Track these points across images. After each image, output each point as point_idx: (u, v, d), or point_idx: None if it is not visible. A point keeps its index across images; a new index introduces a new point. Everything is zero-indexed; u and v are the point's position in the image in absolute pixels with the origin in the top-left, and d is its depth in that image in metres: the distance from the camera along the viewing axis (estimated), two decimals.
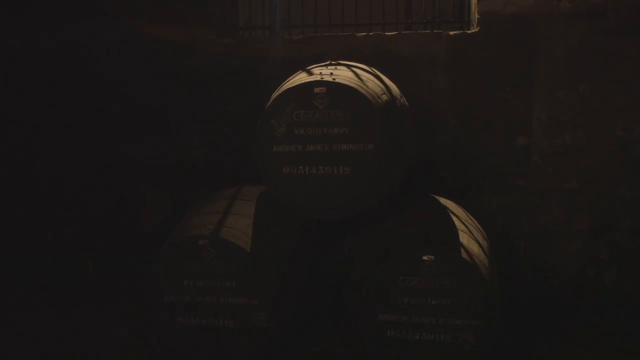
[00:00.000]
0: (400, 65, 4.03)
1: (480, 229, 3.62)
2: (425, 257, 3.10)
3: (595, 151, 4.03)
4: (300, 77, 3.38)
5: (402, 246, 3.19)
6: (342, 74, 3.33)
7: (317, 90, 3.18)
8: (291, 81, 3.41)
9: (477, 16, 4.06)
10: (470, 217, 3.67)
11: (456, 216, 3.51)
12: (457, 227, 3.37)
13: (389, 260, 3.16)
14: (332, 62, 3.60)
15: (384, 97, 3.33)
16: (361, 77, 3.36)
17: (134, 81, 4.34)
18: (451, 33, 4.07)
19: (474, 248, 3.26)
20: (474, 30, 4.07)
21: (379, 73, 3.62)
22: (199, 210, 3.56)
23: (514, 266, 4.07)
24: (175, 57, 4.28)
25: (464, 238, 3.27)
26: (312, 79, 3.24)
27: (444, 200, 3.72)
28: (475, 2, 4.07)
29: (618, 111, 3.99)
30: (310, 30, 4.43)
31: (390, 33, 4.15)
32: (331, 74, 3.29)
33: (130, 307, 3.85)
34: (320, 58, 3.85)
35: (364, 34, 4.17)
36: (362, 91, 3.18)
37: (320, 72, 3.33)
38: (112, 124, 4.43)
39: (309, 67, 3.57)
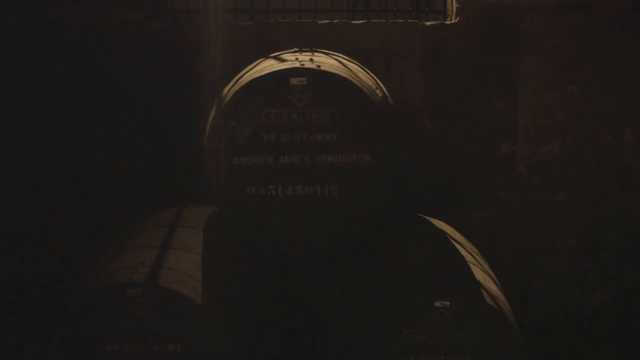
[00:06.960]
0: (369, 59, 3.18)
1: (482, 257, 2.62)
2: (437, 304, 2.13)
3: (583, 160, 3.39)
4: (269, 64, 2.23)
5: (407, 288, 2.15)
6: (325, 61, 2.19)
7: (295, 81, 2.11)
8: (255, 70, 2.26)
9: (455, 5, 3.22)
10: (471, 243, 2.67)
11: (459, 244, 2.49)
12: (467, 259, 2.34)
13: (389, 308, 2.17)
14: (304, 49, 2.44)
15: (379, 93, 2.24)
16: (348, 66, 2.25)
17: (37, 72, 3.25)
18: (427, 24, 3.39)
19: (492, 286, 2.28)
20: (453, 21, 3.35)
21: (360, 65, 2.52)
22: (126, 242, 2.41)
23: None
24: (92, 44, 3.25)
25: (479, 274, 2.30)
26: (287, 66, 2.11)
27: (437, 222, 2.70)
28: None
29: (607, 115, 3.37)
30: (261, 16, 3.31)
31: (358, 22, 3.40)
32: (311, 60, 2.15)
33: None
34: (274, 49, 2.75)
35: (326, 21, 3.38)
36: (356, 83, 2.06)
37: (297, 58, 2.20)
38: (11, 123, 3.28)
39: (275, 54, 2.42)
